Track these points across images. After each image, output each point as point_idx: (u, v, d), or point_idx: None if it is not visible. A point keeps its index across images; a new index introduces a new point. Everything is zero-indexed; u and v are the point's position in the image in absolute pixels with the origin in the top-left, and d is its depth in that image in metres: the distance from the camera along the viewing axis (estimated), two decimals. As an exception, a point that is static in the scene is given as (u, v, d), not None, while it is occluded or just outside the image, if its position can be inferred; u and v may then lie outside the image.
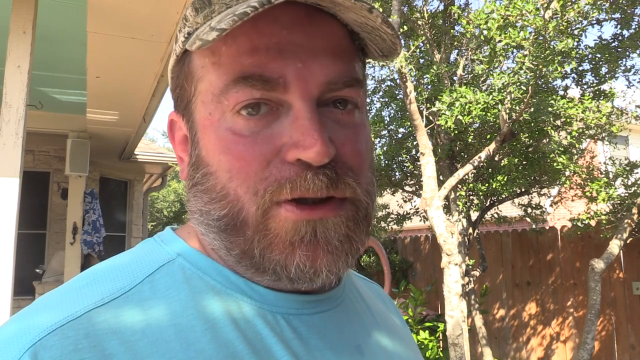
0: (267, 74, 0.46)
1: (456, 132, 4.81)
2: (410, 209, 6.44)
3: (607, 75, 4.35)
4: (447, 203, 4.95)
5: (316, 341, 0.51)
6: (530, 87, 3.59)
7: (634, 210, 4.31)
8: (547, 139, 4.65)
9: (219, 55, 0.48)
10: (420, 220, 6.65)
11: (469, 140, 5.12)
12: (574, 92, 5.01)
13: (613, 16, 4.23)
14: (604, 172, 5.01)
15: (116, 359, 0.41)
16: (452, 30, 4.95)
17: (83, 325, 0.43)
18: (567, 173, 4.87)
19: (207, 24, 0.47)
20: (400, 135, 5.83)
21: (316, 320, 0.52)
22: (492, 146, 4.02)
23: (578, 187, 4.93)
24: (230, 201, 0.47)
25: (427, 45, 4.86)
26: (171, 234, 0.55)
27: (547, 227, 6.00)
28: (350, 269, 0.59)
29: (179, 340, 0.44)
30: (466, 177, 4.82)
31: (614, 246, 4.20)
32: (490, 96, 3.86)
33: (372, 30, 0.50)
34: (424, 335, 5.29)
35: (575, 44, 4.11)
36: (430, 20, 4.75)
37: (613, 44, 4.32)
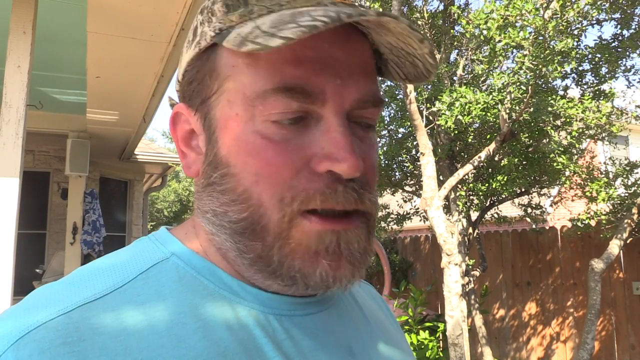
0: (309, 87, 0.46)
1: (456, 132, 4.81)
2: (410, 209, 6.43)
3: (607, 75, 4.35)
4: (447, 203, 4.95)
5: (308, 342, 0.51)
6: (530, 87, 3.59)
7: (634, 210, 4.31)
8: (547, 139, 4.65)
9: (256, 58, 0.47)
10: (420, 220, 6.65)
11: (469, 140, 5.12)
12: (574, 92, 5.01)
13: (613, 16, 4.23)
14: (604, 172, 5.01)
15: (106, 353, 0.41)
16: (452, 30, 4.95)
17: (73, 320, 0.43)
18: (567, 173, 4.87)
19: (253, 26, 0.45)
20: (400, 135, 5.83)
21: (308, 321, 0.52)
22: (492, 146, 4.02)
23: (578, 187, 4.93)
24: (252, 205, 0.47)
25: (427, 45, 4.85)
26: (166, 234, 0.55)
27: (547, 227, 5.99)
28: None
29: (170, 337, 0.44)
30: (466, 177, 4.82)
31: (614, 246, 4.20)
32: (490, 96, 3.86)
33: (405, 56, 0.50)
34: (424, 335, 5.29)
35: (575, 44, 4.11)
36: (430, 20, 4.75)
37: (613, 44, 4.32)
